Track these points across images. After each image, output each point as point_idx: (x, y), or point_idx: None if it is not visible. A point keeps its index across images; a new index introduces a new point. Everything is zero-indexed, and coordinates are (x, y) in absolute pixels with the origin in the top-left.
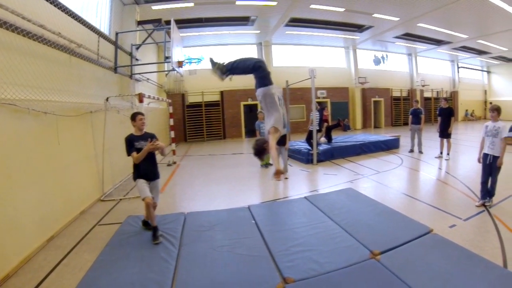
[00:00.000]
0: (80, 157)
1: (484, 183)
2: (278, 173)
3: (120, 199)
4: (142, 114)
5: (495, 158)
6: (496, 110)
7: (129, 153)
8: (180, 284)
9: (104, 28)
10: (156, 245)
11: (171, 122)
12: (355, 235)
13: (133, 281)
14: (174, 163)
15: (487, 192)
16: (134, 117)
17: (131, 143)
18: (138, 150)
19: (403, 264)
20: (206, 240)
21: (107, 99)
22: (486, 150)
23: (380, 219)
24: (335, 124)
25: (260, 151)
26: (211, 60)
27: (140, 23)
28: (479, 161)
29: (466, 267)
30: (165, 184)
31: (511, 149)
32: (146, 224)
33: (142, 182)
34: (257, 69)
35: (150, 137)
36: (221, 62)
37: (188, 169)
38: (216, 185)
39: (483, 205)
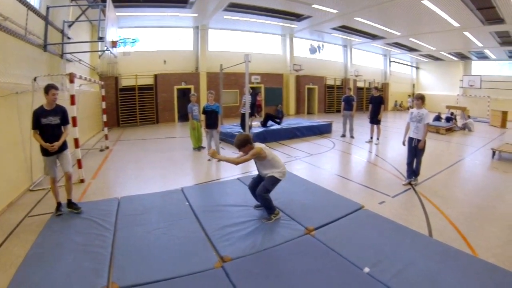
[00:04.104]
0: (5, 143)
1: (409, 164)
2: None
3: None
4: (56, 88)
5: (419, 141)
6: (421, 99)
7: (33, 127)
8: (118, 270)
9: (34, 1)
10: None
11: (104, 105)
12: (290, 213)
13: (68, 272)
14: (107, 148)
15: (413, 172)
16: (47, 90)
17: (38, 119)
18: (43, 126)
19: (337, 238)
20: (141, 223)
21: (35, 79)
22: (411, 134)
23: (313, 198)
24: (276, 116)
25: (243, 144)
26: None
27: None
28: (403, 144)
29: (396, 238)
30: (97, 170)
31: (434, 136)
32: (71, 205)
33: (47, 161)
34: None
35: (61, 111)
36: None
37: (121, 154)
38: (150, 169)
39: (409, 183)
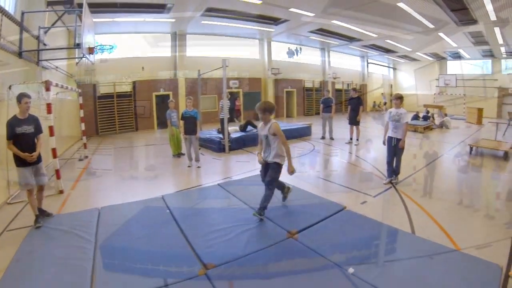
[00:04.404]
0: None
1: (389, 163)
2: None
3: None
4: (28, 97)
5: (398, 140)
6: (399, 98)
7: (8, 137)
8: (100, 283)
9: (9, 6)
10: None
11: (82, 113)
12: (272, 217)
13: (49, 287)
14: (86, 157)
15: (393, 171)
16: (20, 99)
17: (12, 128)
18: (18, 136)
19: (320, 240)
20: (122, 234)
21: (9, 87)
22: (390, 134)
23: (295, 201)
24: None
25: (270, 111)
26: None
27: (50, 3)
28: (384, 144)
29: (379, 237)
30: (76, 180)
31: (412, 134)
32: (41, 212)
33: (24, 172)
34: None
35: (34, 120)
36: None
37: (101, 163)
38: (130, 178)
39: (390, 182)
